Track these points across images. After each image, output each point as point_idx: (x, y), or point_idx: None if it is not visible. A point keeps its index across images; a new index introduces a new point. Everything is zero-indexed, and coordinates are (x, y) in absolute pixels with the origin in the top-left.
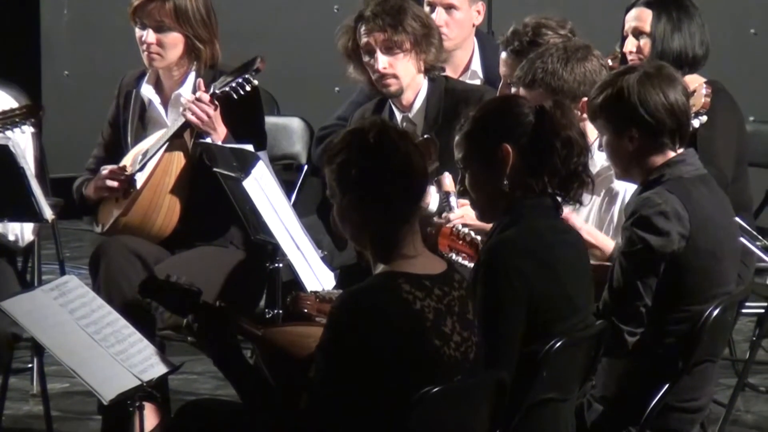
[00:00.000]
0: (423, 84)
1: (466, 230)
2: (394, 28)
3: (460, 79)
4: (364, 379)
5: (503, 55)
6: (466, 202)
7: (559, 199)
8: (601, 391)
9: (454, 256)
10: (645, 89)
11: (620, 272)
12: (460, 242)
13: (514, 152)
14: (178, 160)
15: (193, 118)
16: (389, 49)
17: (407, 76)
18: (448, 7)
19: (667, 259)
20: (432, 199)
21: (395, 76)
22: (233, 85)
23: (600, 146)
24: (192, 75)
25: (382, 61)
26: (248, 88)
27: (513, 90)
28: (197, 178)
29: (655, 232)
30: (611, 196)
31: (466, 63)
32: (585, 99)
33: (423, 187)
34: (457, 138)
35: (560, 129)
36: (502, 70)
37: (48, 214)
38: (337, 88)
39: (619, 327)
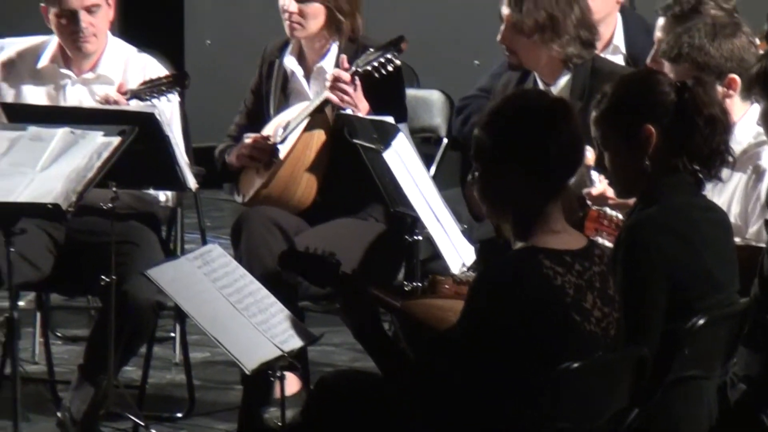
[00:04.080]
0: None
1: (614, 213)
2: (518, 9)
3: (601, 54)
4: (503, 354)
5: (660, 20)
6: (604, 178)
7: (701, 176)
8: (743, 369)
9: (600, 240)
10: None
11: None
12: (606, 223)
13: (657, 132)
14: (319, 134)
15: (334, 97)
16: (512, 26)
17: (525, 56)
18: None
19: None
20: None
21: (512, 51)
22: (375, 64)
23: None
24: (334, 47)
25: (499, 33)
26: (390, 68)
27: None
28: (338, 152)
29: None
30: (758, 173)
31: (608, 38)
32: (732, 76)
33: (578, 166)
34: (594, 115)
35: (703, 107)
36: (658, 35)
37: (192, 183)
38: (476, 61)
39: None
